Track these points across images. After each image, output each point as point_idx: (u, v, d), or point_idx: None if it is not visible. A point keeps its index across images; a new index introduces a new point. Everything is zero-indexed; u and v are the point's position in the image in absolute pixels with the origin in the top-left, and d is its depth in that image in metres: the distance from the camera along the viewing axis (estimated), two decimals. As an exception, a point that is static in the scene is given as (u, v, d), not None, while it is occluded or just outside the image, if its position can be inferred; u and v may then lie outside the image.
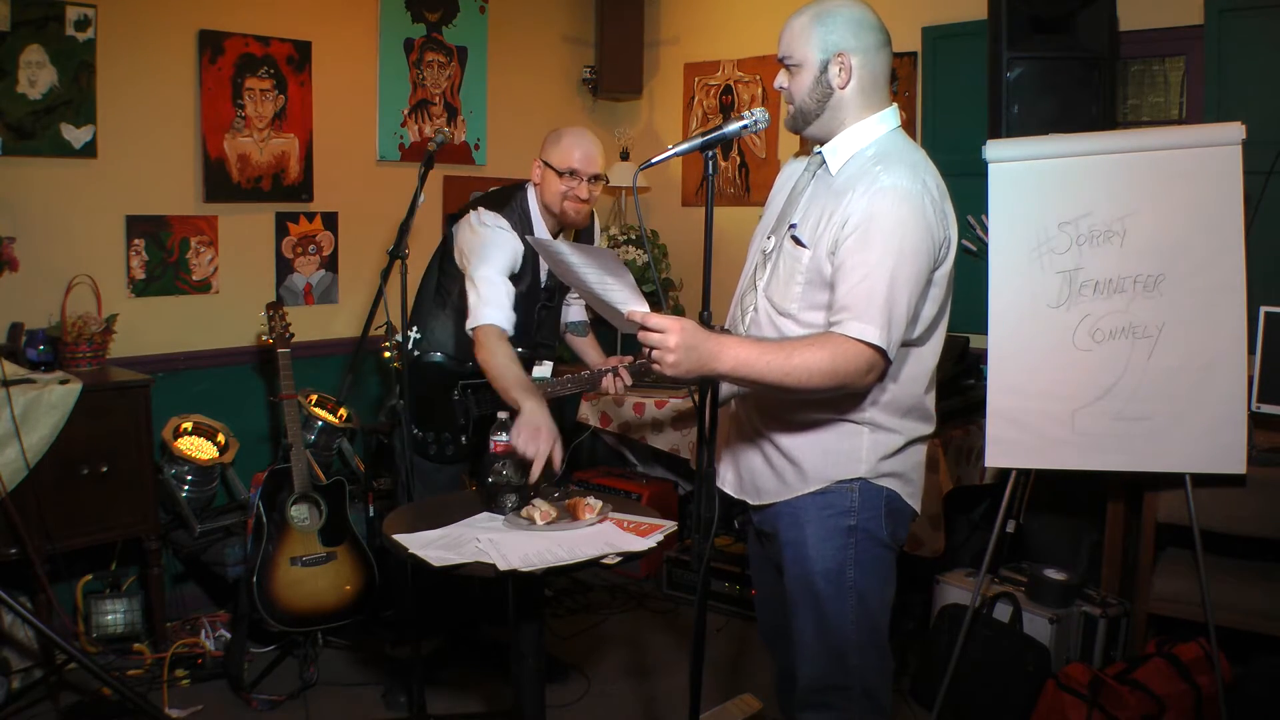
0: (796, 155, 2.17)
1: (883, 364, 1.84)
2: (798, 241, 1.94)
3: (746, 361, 1.75)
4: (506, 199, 2.91)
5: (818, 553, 1.99)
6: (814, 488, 2.00)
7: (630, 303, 1.77)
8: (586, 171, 2.81)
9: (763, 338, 1.96)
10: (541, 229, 2.91)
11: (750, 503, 2.13)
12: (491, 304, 2.69)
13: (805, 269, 1.91)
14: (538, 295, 2.97)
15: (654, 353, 1.69)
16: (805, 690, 2.07)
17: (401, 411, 2.87)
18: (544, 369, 2.90)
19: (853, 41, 1.90)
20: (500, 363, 2.59)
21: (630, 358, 2.87)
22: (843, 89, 1.92)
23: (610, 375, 2.77)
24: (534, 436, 2.32)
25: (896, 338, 1.83)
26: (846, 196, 1.87)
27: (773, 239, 2.03)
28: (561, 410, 3.11)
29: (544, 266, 2.94)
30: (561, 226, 2.95)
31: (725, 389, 2.10)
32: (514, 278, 2.81)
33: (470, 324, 2.70)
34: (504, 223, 2.82)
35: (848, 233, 1.84)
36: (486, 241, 2.78)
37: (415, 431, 2.95)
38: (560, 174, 2.81)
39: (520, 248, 2.83)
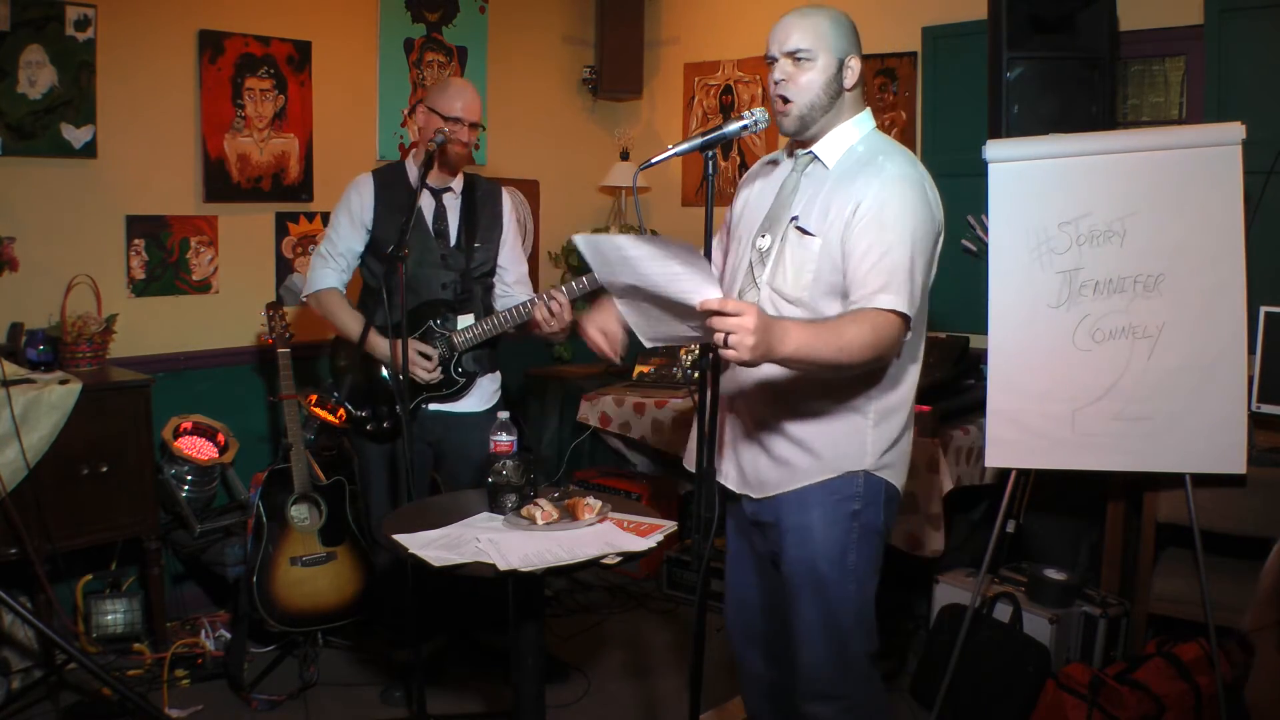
0: (761, 162, 2.27)
1: (906, 334, 1.96)
2: (805, 232, 2.02)
3: (808, 343, 1.80)
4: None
5: (824, 535, 2.07)
6: (824, 476, 2.07)
7: (703, 290, 1.70)
8: (468, 119, 2.94)
9: (807, 319, 1.98)
10: (414, 174, 3.01)
11: (753, 496, 2.17)
12: (316, 270, 3.06)
13: (817, 256, 2.00)
14: (429, 244, 3.01)
15: (731, 338, 1.69)
16: (809, 680, 2.12)
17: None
18: (466, 319, 3.04)
19: (857, 47, 2.05)
20: (338, 319, 3.04)
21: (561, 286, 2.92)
22: (848, 90, 2.05)
23: (541, 301, 2.87)
24: (415, 365, 2.90)
25: (919, 308, 1.97)
26: (851, 186, 1.98)
27: (768, 237, 2.10)
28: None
29: (430, 213, 3.02)
30: (440, 173, 3.03)
31: (726, 385, 2.13)
32: (382, 225, 2.98)
33: (304, 294, 3.09)
34: (360, 177, 3.06)
35: (860, 217, 1.96)
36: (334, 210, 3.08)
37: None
38: (446, 119, 2.93)
39: (365, 188, 3.01)
